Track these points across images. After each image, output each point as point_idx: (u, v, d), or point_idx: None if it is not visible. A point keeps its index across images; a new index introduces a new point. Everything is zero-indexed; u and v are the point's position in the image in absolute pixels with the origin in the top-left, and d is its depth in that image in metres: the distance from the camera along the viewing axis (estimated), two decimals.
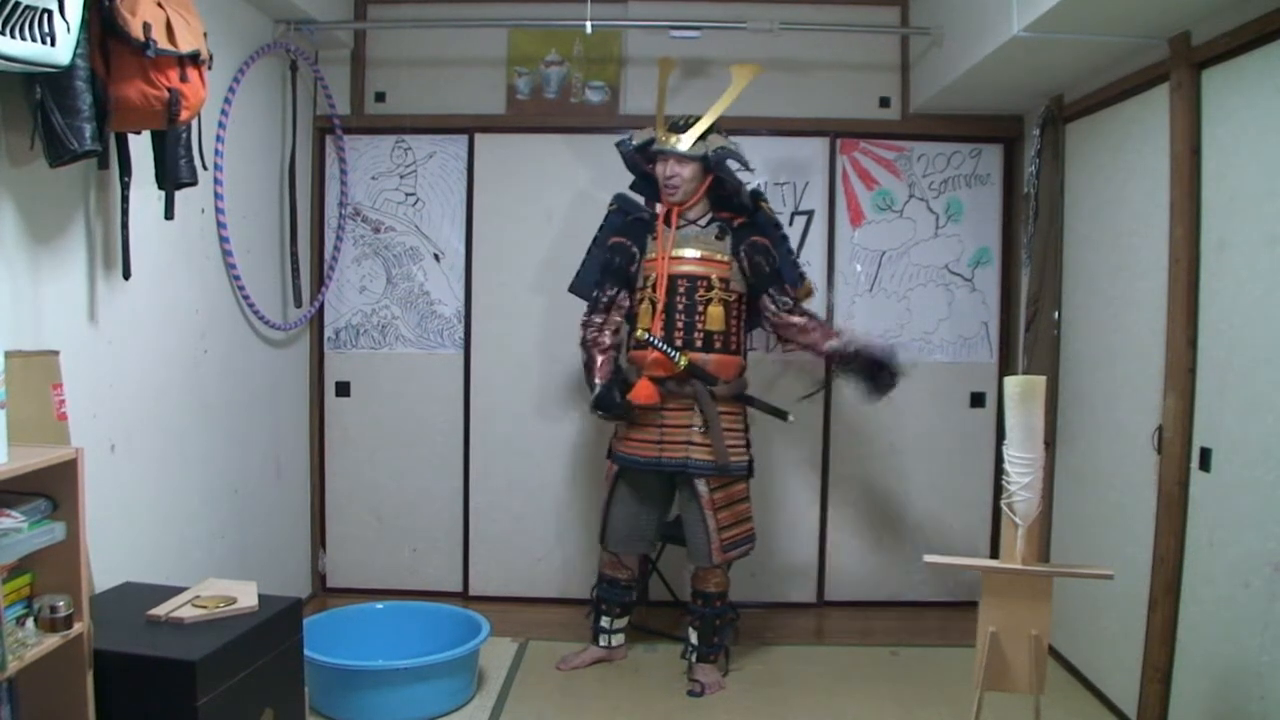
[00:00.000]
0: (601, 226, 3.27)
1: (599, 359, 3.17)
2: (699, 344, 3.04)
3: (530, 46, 3.80)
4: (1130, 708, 2.82)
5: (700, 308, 3.05)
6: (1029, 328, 3.39)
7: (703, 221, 3.13)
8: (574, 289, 3.30)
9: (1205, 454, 2.49)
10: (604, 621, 3.30)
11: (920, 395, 3.83)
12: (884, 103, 3.82)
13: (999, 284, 3.84)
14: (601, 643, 3.30)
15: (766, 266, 3.09)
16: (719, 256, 3.09)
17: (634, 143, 3.14)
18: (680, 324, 3.04)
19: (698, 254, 3.08)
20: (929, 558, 2.35)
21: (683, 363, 2.99)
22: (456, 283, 3.85)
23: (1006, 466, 2.25)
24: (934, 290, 3.83)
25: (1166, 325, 2.65)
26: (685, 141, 3.04)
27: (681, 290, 3.06)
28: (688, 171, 3.06)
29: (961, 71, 3.14)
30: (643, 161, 3.17)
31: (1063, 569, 2.49)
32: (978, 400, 3.85)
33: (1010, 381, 2.25)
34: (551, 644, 3.49)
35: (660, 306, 3.04)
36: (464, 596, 3.87)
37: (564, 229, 3.78)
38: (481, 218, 3.83)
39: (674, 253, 3.08)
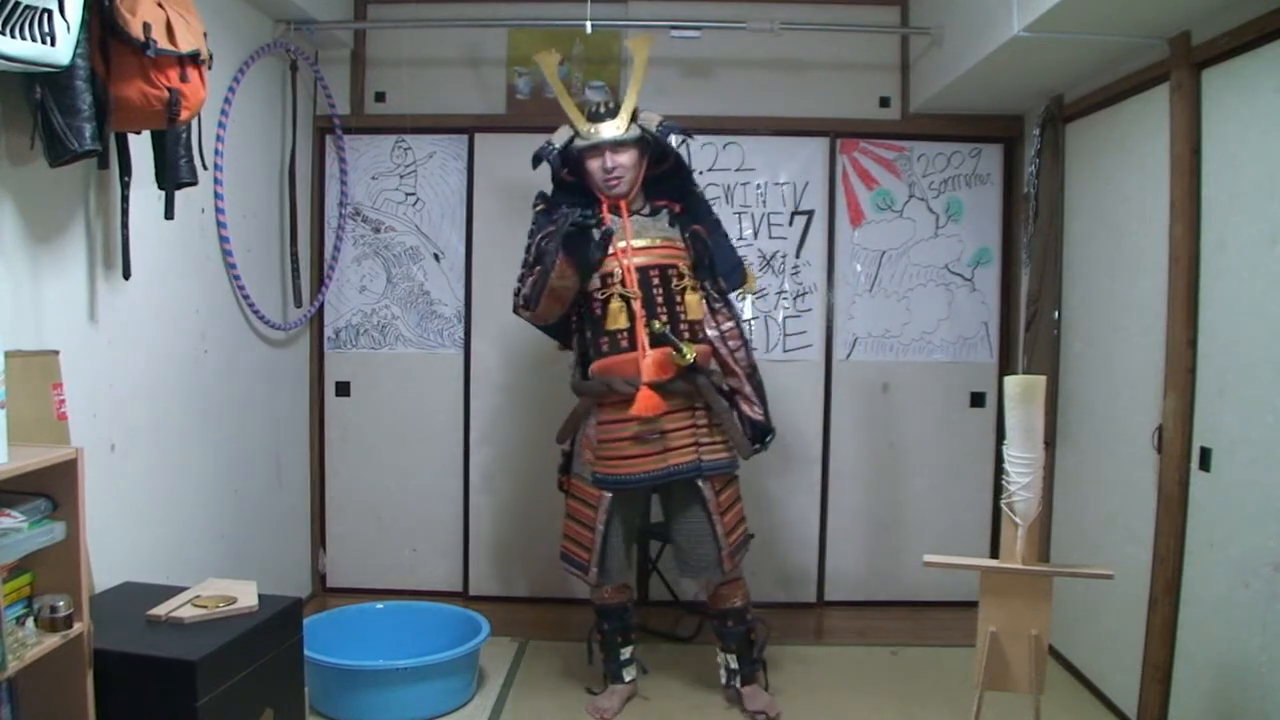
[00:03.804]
0: (530, 233, 2.89)
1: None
2: (686, 335, 2.78)
3: (530, 46, 3.79)
4: (1130, 708, 2.82)
5: (678, 297, 2.81)
6: (1029, 328, 3.39)
7: (645, 211, 2.89)
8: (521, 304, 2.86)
9: (1205, 454, 2.49)
10: (624, 653, 3.02)
11: (920, 395, 3.83)
12: (884, 103, 3.82)
13: (999, 284, 3.84)
14: (628, 677, 3.03)
15: (705, 258, 2.88)
16: (678, 242, 2.87)
17: (557, 146, 2.83)
18: (663, 317, 2.77)
19: (658, 241, 2.84)
20: (929, 558, 2.35)
21: (690, 356, 2.72)
22: (456, 283, 3.85)
23: (1006, 466, 2.25)
24: (934, 290, 3.83)
25: (1166, 325, 2.65)
26: (618, 126, 2.79)
27: (655, 282, 2.79)
28: (627, 158, 2.80)
29: (961, 71, 3.14)
30: (560, 168, 2.89)
31: (1063, 569, 2.49)
32: (978, 400, 3.85)
33: (1010, 381, 2.25)
34: (551, 644, 3.49)
35: (639, 303, 2.74)
36: (464, 596, 3.87)
37: None
38: (481, 218, 3.82)
39: (634, 243, 2.80)
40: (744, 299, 3.71)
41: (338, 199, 3.81)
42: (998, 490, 3.38)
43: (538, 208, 2.93)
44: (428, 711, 2.89)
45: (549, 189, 2.96)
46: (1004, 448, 2.27)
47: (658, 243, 2.84)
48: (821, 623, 3.81)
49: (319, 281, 3.79)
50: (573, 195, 2.89)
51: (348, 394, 3.89)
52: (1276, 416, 2.22)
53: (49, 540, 1.79)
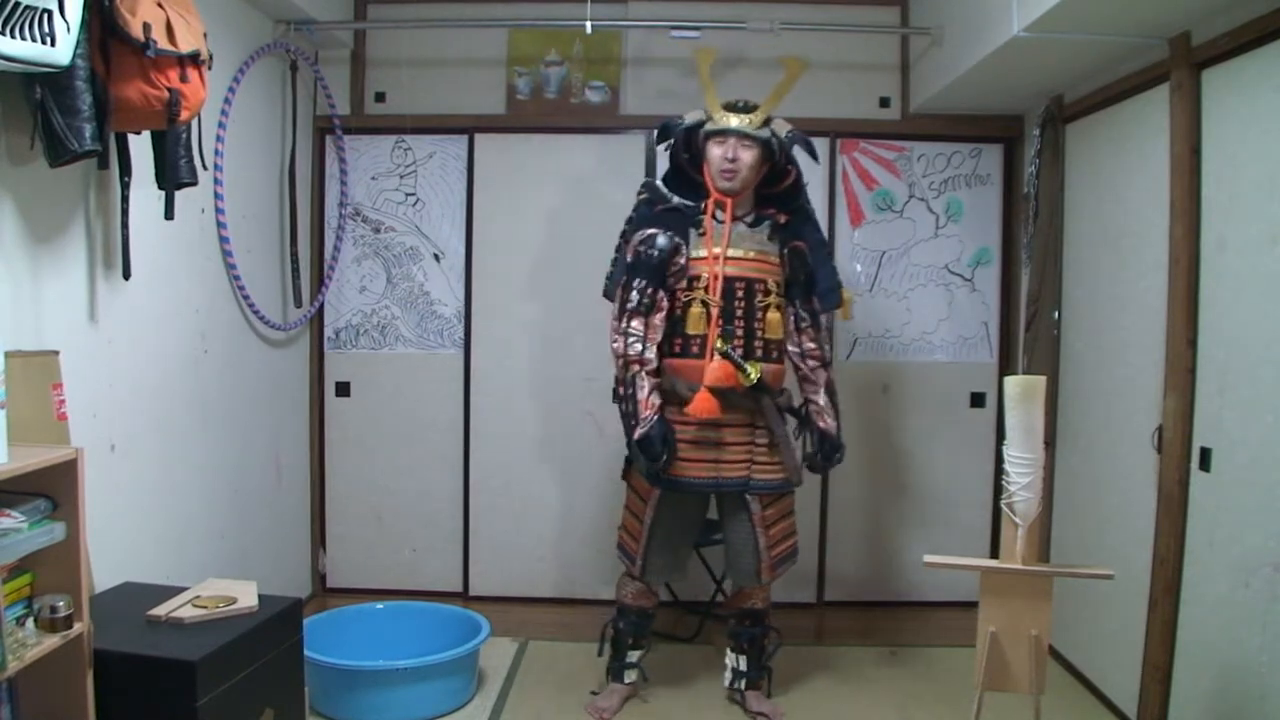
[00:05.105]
0: (629, 220, 2.93)
1: (646, 387, 2.71)
2: (759, 353, 2.76)
3: (530, 46, 3.80)
4: (1130, 707, 2.82)
5: (759, 314, 2.78)
6: (1029, 328, 3.39)
7: (749, 219, 2.85)
8: (609, 293, 2.93)
9: (1205, 454, 2.49)
10: (631, 656, 3.03)
11: (920, 395, 3.83)
12: (884, 103, 3.81)
13: (999, 284, 3.84)
14: (628, 679, 3.03)
15: (801, 274, 2.85)
16: (772, 258, 2.83)
17: (687, 122, 2.84)
18: (740, 331, 2.75)
19: (752, 254, 2.81)
20: (929, 558, 2.35)
21: (754, 376, 2.69)
22: (456, 283, 3.85)
23: (1006, 466, 2.25)
24: (934, 290, 3.83)
25: (1166, 325, 2.65)
26: (750, 121, 2.77)
27: (739, 294, 2.76)
28: (749, 157, 2.76)
29: (961, 71, 3.14)
30: (682, 149, 2.87)
31: (1063, 569, 2.49)
32: (978, 400, 3.85)
33: (1010, 381, 2.25)
34: (552, 644, 3.50)
35: (717, 312, 2.73)
36: (464, 596, 3.87)
37: (564, 229, 3.78)
38: (481, 218, 3.82)
39: (729, 251, 2.78)
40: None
41: (338, 199, 3.80)
42: (998, 490, 3.38)
43: (641, 195, 2.93)
44: (428, 711, 2.89)
45: (649, 177, 3.02)
46: (1004, 448, 2.27)
47: (751, 255, 2.81)
48: (821, 623, 3.80)
49: (319, 282, 3.79)
50: (681, 187, 2.88)
51: (348, 394, 3.89)
52: (1276, 416, 2.22)
53: (49, 540, 1.79)
